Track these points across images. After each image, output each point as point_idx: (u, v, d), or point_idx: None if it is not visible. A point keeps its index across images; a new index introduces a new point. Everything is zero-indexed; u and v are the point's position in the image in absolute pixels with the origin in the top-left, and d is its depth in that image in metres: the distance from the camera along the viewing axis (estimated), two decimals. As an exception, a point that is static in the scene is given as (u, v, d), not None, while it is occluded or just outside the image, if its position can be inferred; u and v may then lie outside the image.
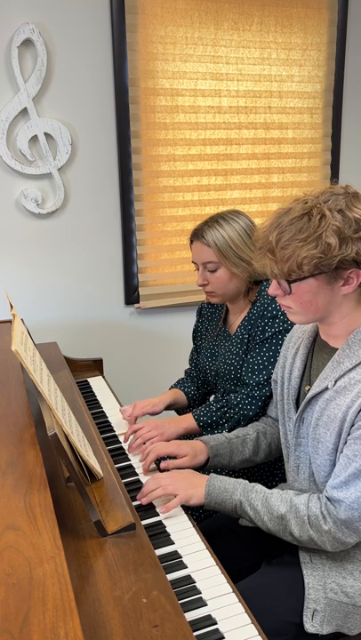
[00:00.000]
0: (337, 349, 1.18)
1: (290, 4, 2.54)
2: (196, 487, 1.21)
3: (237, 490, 1.19)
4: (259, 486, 1.20)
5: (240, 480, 1.22)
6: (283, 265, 1.07)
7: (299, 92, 2.66)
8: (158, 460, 1.42)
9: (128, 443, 1.50)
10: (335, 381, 1.14)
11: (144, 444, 1.47)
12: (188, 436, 1.60)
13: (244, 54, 2.53)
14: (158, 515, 1.20)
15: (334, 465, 1.15)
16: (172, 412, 1.83)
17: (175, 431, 1.54)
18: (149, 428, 1.50)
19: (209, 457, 1.37)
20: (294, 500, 1.14)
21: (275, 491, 1.18)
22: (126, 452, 1.48)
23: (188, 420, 1.59)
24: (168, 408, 1.76)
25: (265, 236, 1.10)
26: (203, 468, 1.37)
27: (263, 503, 1.16)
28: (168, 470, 1.32)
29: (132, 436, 1.51)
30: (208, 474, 1.28)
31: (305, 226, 1.05)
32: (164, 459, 1.39)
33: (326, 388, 1.15)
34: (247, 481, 1.22)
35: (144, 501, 1.20)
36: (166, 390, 1.84)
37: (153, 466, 1.38)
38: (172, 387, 1.85)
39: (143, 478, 1.34)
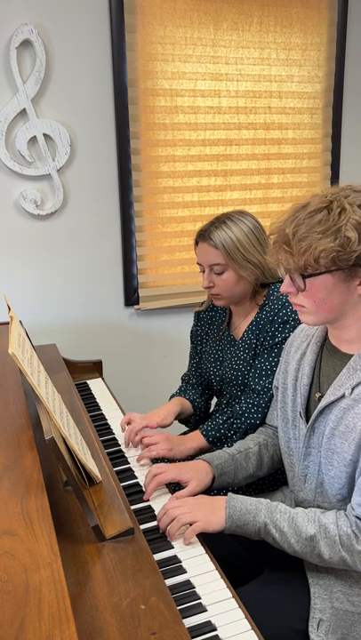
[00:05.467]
0: (350, 355, 1.14)
1: (289, 3, 2.53)
2: (215, 511, 1.12)
3: (261, 511, 1.11)
4: (282, 505, 1.13)
5: (261, 499, 1.14)
6: (299, 258, 1.03)
7: (299, 93, 2.65)
8: (154, 460, 1.39)
9: (140, 462, 1.43)
10: (352, 389, 1.09)
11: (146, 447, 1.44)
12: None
13: (244, 54, 2.52)
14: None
15: (350, 477, 1.10)
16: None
17: (185, 452, 1.48)
18: (159, 438, 1.45)
19: (214, 476, 1.29)
20: (322, 519, 1.08)
21: (299, 510, 1.12)
22: (125, 455, 1.46)
23: (198, 439, 1.53)
24: (175, 418, 1.68)
25: (281, 230, 1.07)
26: (208, 489, 1.30)
27: (290, 524, 1.09)
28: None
29: (140, 444, 1.46)
30: (215, 493, 1.24)
31: (324, 219, 1.02)
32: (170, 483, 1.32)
33: (343, 397, 1.11)
34: (268, 500, 1.15)
35: (171, 539, 1.12)
36: (165, 393, 1.82)
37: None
38: (172, 395, 1.78)
39: (142, 481, 1.32)
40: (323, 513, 1.10)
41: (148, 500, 1.25)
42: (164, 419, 1.61)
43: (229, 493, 1.16)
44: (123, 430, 1.56)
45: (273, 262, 1.11)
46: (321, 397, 1.17)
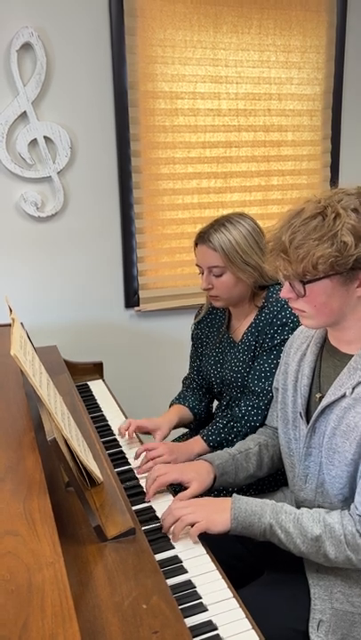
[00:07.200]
0: (349, 355, 1.15)
1: (289, 6, 2.54)
2: (220, 512, 1.12)
3: (266, 512, 1.11)
4: (287, 506, 1.13)
5: (266, 500, 1.14)
6: (297, 265, 1.04)
7: (298, 95, 2.66)
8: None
9: (139, 460, 1.42)
10: (353, 388, 1.10)
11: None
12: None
13: (244, 57, 2.53)
14: (159, 519, 1.19)
15: (352, 476, 1.11)
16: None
17: (188, 459, 1.47)
18: (163, 451, 1.42)
19: (215, 476, 1.30)
20: (328, 519, 1.09)
21: (304, 510, 1.12)
22: (126, 456, 1.47)
23: (200, 445, 1.53)
24: (174, 427, 1.68)
25: (277, 238, 1.08)
26: (209, 489, 1.30)
27: (295, 525, 1.09)
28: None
29: (143, 455, 1.43)
30: (216, 493, 1.23)
31: (319, 225, 1.03)
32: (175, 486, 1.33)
33: (343, 396, 1.11)
34: (273, 501, 1.15)
35: (174, 539, 1.12)
36: (165, 394, 1.82)
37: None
38: (172, 402, 1.78)
39: (143, 482, 1.32)
40: (328, 513, 1.11)
41: (150, 501, 1.26)
42: (160, 429, 1.61)
43: (234, 494, 1.16)
44: (121, 432, 1.56)
45: (271, 269, 1.12)
46: (321, 398, 1.18)
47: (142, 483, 1.33)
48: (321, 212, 1.04)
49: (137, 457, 1.45)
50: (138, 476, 1.37)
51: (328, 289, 1.06)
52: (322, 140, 2.76)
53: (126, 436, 1.55)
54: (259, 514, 1.12)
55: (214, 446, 1.54)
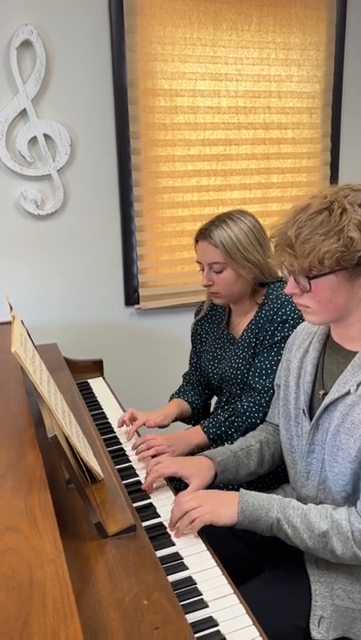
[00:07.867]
0: (353, 352, 1.15)
1: (288, 4, 2.54)
2: (226, 505, 1.12)
3: (273, 506, 1.12)
4: (294, 501, 1.13)
5: (273, 495, 1.15)
6: (303, 260, 1.04)
7: (298, 92, 2.66)
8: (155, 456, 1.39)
9: (137, 450, 1.44)
10: (358, 385, 1.10)
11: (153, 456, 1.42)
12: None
13: (243, 54, 2.53)
14: (159, 516, 1.19)
15: (355, 473, 1.11)
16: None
17: (186, 449, 1.49)
18: (161, 442, 1.44)
19: (216, 473, 1.30)
20: (335, 515, 1.08)
21: (311, 506, 1.12)
22: (127, 453, 1.47)
23: (199, 436, 1.54)
24: (173, 420, 1.70)
25: (282, 233, 1.08)
26: (210, 486, 1.30)
27: (302, 520, 1.09)
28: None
29: (141, 446, 1.44)
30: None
31: (326, 220, 1.03)
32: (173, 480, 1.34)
33: (348, 393, 1.11)
34: (280, 496, 1.15)
35: (176, 535, 1.12)
36: (165, 392, 1.82)
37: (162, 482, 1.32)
38: (172, 396, 1.80)
39: (143, 479, 1.32)
40: (335, 509, 1.11)
41: (150, 498, 1.26)
42: (163, 419, 1.64)
43: (241, 489, 1.16)
44: (120, 425, 1.59)
45: (276, 265, 1.12)
46: (325, 395, 1.18)
47: (142, 479, 1.33)
48: (327, 208, 1.04)
49: (134, 448, 1.46)
50: (138, 473, 1.37)
51: (333, 284, 1.06)
52: (322, 137, 2.76)
53: (124, 427, 1.57)
54: (266, 508, 1.12)
55: (213, 439, 1.55)
